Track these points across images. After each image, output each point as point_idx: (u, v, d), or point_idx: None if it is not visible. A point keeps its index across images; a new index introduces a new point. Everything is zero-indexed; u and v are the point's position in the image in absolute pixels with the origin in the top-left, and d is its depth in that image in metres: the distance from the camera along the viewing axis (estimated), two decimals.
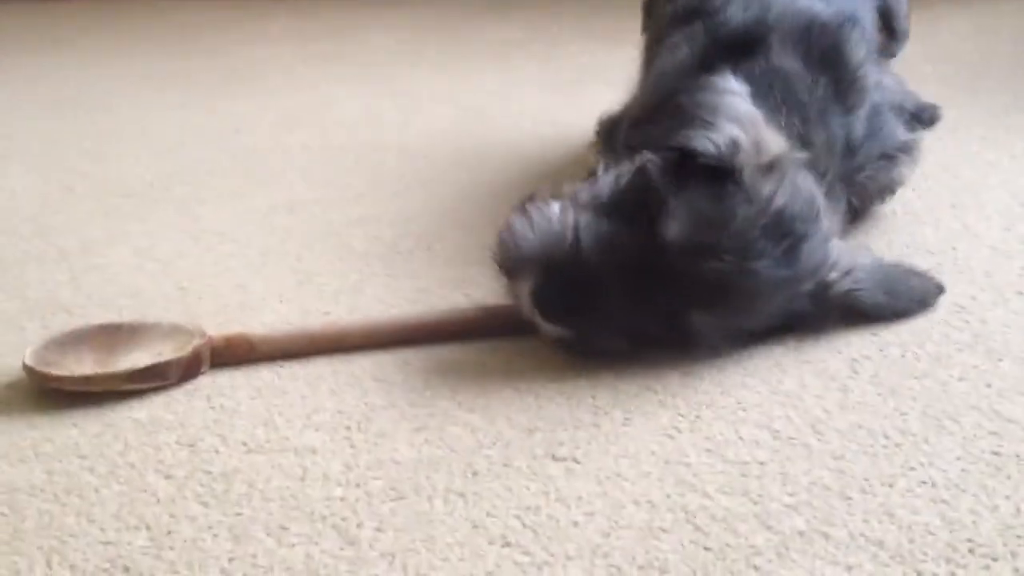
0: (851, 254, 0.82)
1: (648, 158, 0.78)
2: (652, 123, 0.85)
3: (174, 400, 0.78)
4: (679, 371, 0.78)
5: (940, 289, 0.84)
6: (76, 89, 1.77)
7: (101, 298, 0.96)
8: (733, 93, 0.82)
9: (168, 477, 0.69)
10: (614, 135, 1.02)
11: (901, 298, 0.83)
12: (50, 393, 0.79)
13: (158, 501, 0.67)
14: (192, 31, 2.22)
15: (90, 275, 1.01)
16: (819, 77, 0.88)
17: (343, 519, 0.64)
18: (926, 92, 1.24)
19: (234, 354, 0.82)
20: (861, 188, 0.94)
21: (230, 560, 0.61)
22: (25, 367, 0.80)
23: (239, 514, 0.65)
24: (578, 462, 0.68)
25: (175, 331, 0.83)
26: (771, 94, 0.84)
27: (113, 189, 1.26)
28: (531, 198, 0.81)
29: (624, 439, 0.70)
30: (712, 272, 0.73)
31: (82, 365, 0.80)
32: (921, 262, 0.89)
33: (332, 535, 0.62)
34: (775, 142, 0.79)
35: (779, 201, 0.75)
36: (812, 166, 0.82)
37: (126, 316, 0.91)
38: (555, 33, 2.00)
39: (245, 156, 1.36)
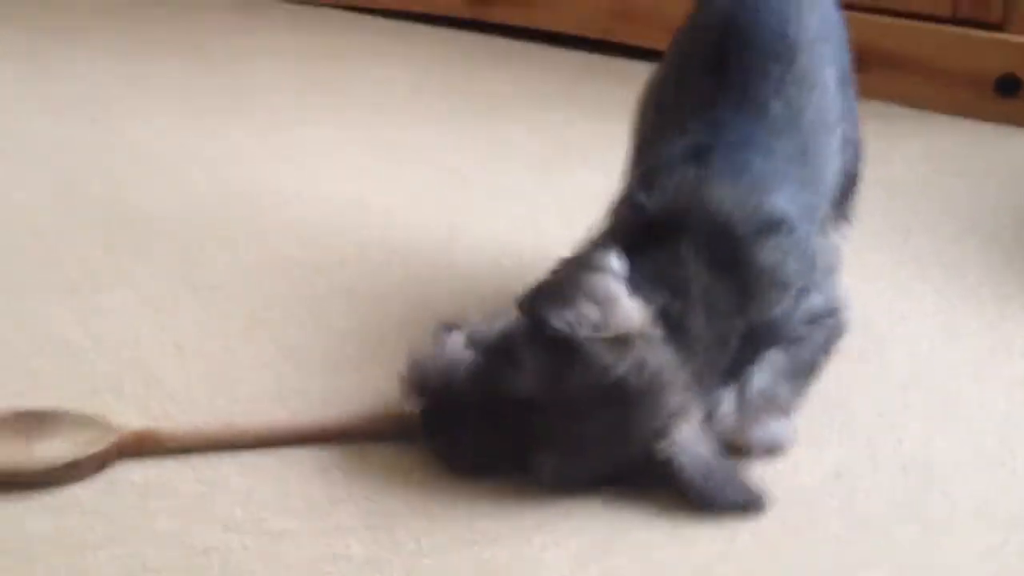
0: (692, 436, 0.93)
1: (519, 319, 0.94)
2: (538, 286, 0.99)
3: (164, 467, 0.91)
4: (596, 499, 0.92)
5: (761, 504, 0.94)
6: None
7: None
8: (605, 271, 0.96)
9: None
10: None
11: (719, 493, 0.93)
12: None
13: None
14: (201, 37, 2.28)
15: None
16: (720, 278, 0.98)
17: None
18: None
19: (142, 449, 0.92)
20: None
21: None
22: None
23: None
24: None
25: (86, 422, 0.93)
26: (658, 280, 0.96)
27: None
28: (446, 327, 0.98)
29: (542, 564, 0.84)
30: (545, 425, 0.90)
31: (10, 453, 0.88)
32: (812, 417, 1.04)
33: None
34: (630, 320, 0.92)
35: (615, 371, 0.90)
36: (679, 346, 0.94)
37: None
38: (543, 95, 2.11)
39: (235, 197, 1.47)
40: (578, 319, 0.91)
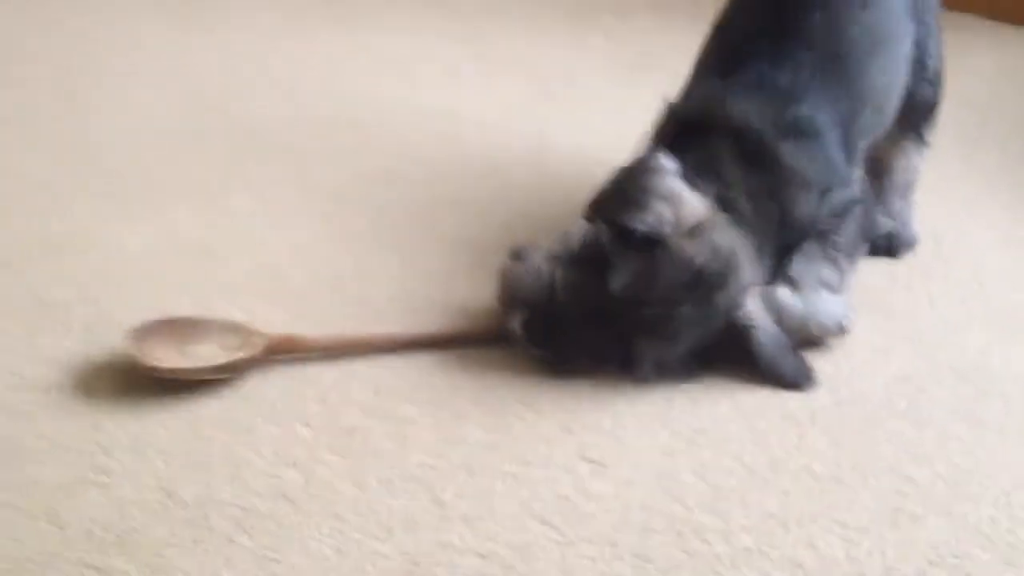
0: (759, 308, 1.06)
1: (601, 227, 1.05)
2: (604, 196, 1.10)
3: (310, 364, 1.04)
4: (683, 397, 1.04)
5: (811, 379, 1.07)
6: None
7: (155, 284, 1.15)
8: (663, 171, 1.08)
9: (308, 426, 0.96)
10: None
11: (783, 362, 1.07)
12: (140, 379, 0.98)
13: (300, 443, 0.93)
14: None
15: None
16: (751, 172, 1.10)
17: (431, 483, 0.90)
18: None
19: (287, 350, 1.03)
20: None
21: (356, 506, 0.88)
22: (131, 356, 0.97)
23: (358, 467, 0.91)
24: (601, 465, 0.94)
25: (233, 327, 1.04)
26: (704, 172, 1.08)
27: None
28: (521, 250, 1.09)
29: (635, 452, 0.96)
30: (646, 314, 1.02)
31: (166, 356, 0.98)
32: (878, 327, 1.15)
33: (425, 495, 0.89)
34: (697, 211, 1.05)
35: (698, 259, 1.02)
36: (739, 226, 1.06)
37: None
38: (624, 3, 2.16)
39: (340, 106, 1.58)
40: (656, 219, 1.03)
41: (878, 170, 1.30)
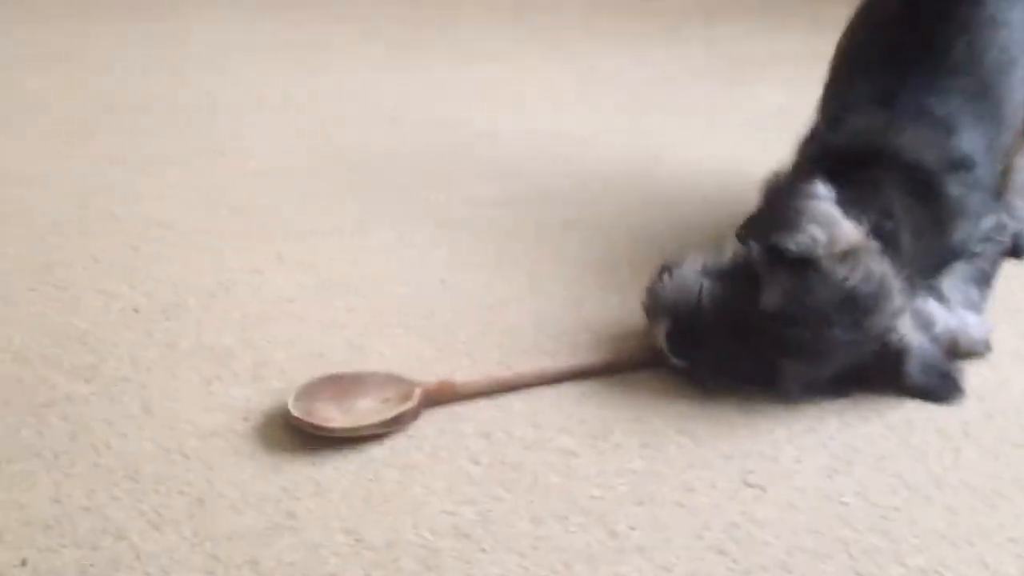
0: (912, 332, 1.08)
1: (752, 246, 1.07)
2: (758, 217, 1.13)
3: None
4: (832, 416, 1.05)
5: (959, 394, 1.09)
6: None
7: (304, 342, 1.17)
8: (818, 198, 1.10)
9: (476, 463, 0.99)
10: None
11: (933, 381, 1.09)
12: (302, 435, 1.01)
13: (471, 482, 0.97)
14: None
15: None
16: (915, 205, 1.12)
17: (603, 515, 0.93)
18: None
19: (440, 400, 1.06)
20: None
21: (535, 541, 0.91)
22: (296, 419, 1.01)
23: (531, 502, 0.95)
24: (764, 490, 0.96)
25: (390, 380, 1.07)
26: (864, 203, 1.10)
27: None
28: (671, 263, 1.11)
29: (796, 475, 0.98)
30: (796, 334, 1.03)
31: (329, 414, 1.02)
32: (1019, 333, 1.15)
33: (598, 528, 0.92)
34: (851, 236, 1.07)
35: (850, 282, 1.04)
36: (893, 256, 1.08)
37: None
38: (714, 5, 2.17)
39: (449, 133, 1.61)
40: (811, 240, 1.05)
41: None
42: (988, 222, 1.18)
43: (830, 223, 1.07)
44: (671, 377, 1.10)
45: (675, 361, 1.09)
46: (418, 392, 1.05)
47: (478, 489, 0.96)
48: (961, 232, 1.15)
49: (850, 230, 1.07)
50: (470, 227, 1.38)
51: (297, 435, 1.02)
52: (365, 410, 1.04)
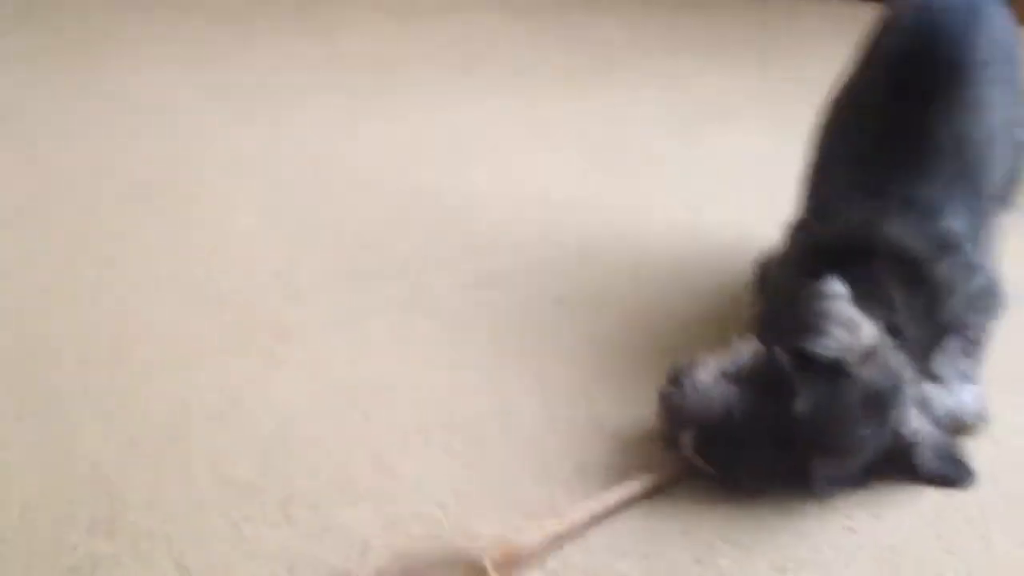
0: (919, 420, 1.12)
1: (778, 351, 1.09)
2: (776, 324, 1.16)
3: None
4: (862, 512, 1.09)
5: (971, 477, 1.14)
6: None
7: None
8: (837, 297, 1.13)
9: None
10: (768, 280, 1.34)
11: (943, 469, 1.13)
12: None
13: None
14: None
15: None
16: (911, 293, 1.17)
17: None
18: None
19: (508, 568, 1.00)
20: None
21: None
22: None
23: None
24: None
25: (454, 557, 1.01)
26: (869, 295, 1.14)
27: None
28: (680, 371, 1.12)
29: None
30: (827, 436, 1.06)
31: None
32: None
33: None
34: (870, 335, 1.11)
35: (875, 383, 1.08)
36: (901, 349, 1.12)
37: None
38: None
39: (409, 205, 1.57)
40: (838, 344, 1.07)
41: None
42: (975, 286, 1.21)
43: (852, 325, 1.10)
44: (705, 485, 1.10)
45: (705, 468, 1.09)
46: (485, 566, 1.00)
47: None
48: (951, 311, 1.19)
49: (869, 329, 1.10)
50: (463, 314, 1.36)
51: None
52: None
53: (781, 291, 1.22)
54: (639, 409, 1.19)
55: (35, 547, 1.00)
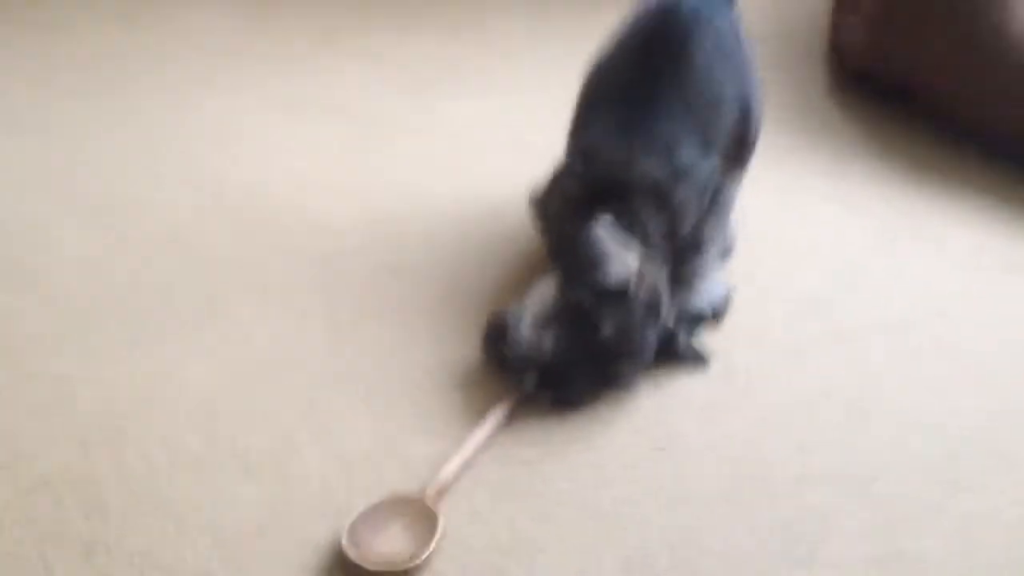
0: (672, 318, 1.43)
1: (577, 291, 1.36)
2: (564, 259, 1.42)
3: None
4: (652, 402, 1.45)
5: (705, 361, 1.46)
6: None
7: None
8: (609, 232, 1.38)
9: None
10: (548, 209, 1.56)
11: (690, 353, 1.46)
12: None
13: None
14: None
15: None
16: (658, 214, 1.43)
17: None
18: None
19: (440, 495, 1.25)
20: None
21: None
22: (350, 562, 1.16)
23: None
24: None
25: (398, 502, 1.24)
26: (631, 224, 1.40)
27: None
28: (502, 319, 1.40)
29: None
30: (627, 346, 1.37)
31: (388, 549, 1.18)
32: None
33: None
34: (635, 260, 1.37)
35: (648, 297, 1.37)
36: (656, 261, 1.40)
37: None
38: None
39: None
40: (619, 272, 1.35)
41: None
42: (704, 179, 1.48)
43: (624, 254, 1.37)
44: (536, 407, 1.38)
45: (543, 395, 1.37)
46: (430, 500, 1.24)
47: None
48: (688, 226, 1.46)
49: (636, 254, 1.38)
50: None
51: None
52: (405, 537, 1.20)
53: (563, 229, 1.46)
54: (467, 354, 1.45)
55: None
